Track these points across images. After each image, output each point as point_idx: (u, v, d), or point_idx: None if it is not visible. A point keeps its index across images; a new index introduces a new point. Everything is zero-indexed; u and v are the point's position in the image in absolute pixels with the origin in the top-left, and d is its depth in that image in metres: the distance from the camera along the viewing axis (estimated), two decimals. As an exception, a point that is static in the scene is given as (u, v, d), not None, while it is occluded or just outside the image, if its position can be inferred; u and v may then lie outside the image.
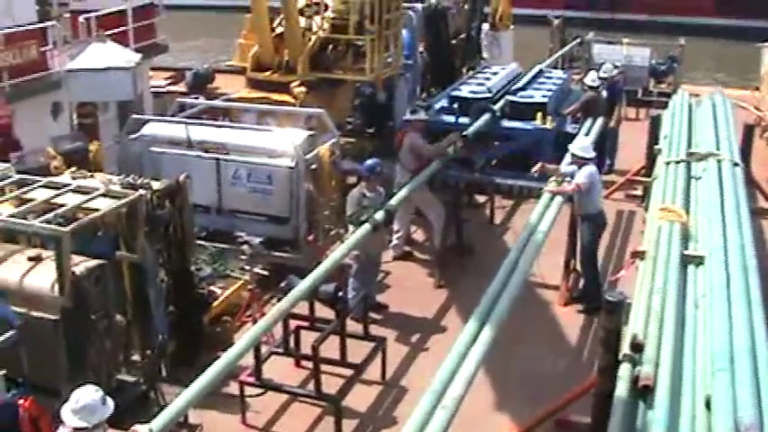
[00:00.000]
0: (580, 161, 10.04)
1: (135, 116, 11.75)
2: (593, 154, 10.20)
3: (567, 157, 10.97)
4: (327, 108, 11.96)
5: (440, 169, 11.40)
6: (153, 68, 18.17)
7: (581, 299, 10.43)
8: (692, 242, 7.46)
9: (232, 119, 13.02)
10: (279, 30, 13.98)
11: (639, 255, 7.30)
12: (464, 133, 12.43)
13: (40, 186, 7.64)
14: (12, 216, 7.00)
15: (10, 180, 7.83)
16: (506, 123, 13.92)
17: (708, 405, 5.00)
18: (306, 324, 8.91)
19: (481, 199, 13.73)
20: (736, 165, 9.52)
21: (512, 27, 21.08)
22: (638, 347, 5.58)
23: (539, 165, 10.38)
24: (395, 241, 11.68)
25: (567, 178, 10.13)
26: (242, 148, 10.78)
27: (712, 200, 8.24)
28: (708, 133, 10.69)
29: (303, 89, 13.41)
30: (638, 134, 13.76)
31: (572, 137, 12.56)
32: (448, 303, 10.55)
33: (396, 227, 11.45)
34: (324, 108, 11.81)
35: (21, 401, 5.77)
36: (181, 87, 19.81)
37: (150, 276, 7.73)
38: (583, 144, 10.30)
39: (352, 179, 12.15)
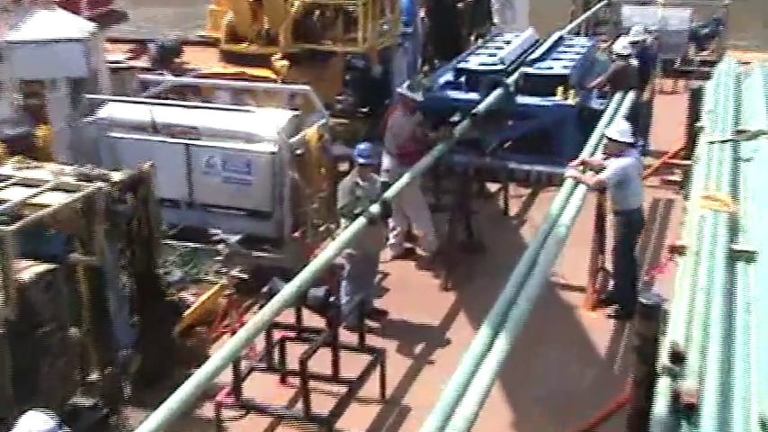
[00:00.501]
0: (617, 147, 9.91)
1: (89, 96, 11.69)
2: (631, 139, 10.10)
3: (592, 140, 10.93)
4: (314, 84, 11.92)
5: (444, 154, 11.37)
6: (110, 40, 18.04)
7: (611, 302, 10.41)
8: (740, 235, 7.40)
9: (204, 98, 12.96)
10: (257, -7, 13.94)
11: (679, 250, 7.24)
12: (473, 111, 12.41)
13: (-21, 179, 7.59)
14: (-53, 214, 6.94)
15: (-56, 172, 7.78)
16: (522, 99, 13.90)
17: (763, 426, 4.95)
18: (292, 334, 8.89)
19: (493, 187, 13.69)
20: (791, 144, 9.47)
21: (527, -13, 21.05)
22: (679, 358, 5.54)
23: (577, 160, 10.21)
24: (392, 239, 11.65)
25: (590, 171, 10.07)
26: (216, 131, 10.73)
27: (764, 185, 8.18)
28: (759, 107, 10.63)
29: (286, 63, 13.36)
30: (677, 109, 13.69)
31: (598, 114, 12.55)
32: (456, 308, 10.54)
33: (392, 223, 11.41)
34: (310, 84, 11.76)
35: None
36: (143, 62, 19.71)
37: (110, 282, 7.70)
38: (621, 127, 10.18)
39: (343, 166, 12.10)
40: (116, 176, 7.90)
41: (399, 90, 11.63)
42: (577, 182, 9.67)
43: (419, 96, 11.42)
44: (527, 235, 11.97)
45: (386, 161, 11.21)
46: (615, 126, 10.36)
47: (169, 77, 14.45)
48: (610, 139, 10.02)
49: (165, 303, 8.64)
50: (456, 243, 11.50)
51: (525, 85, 14.15)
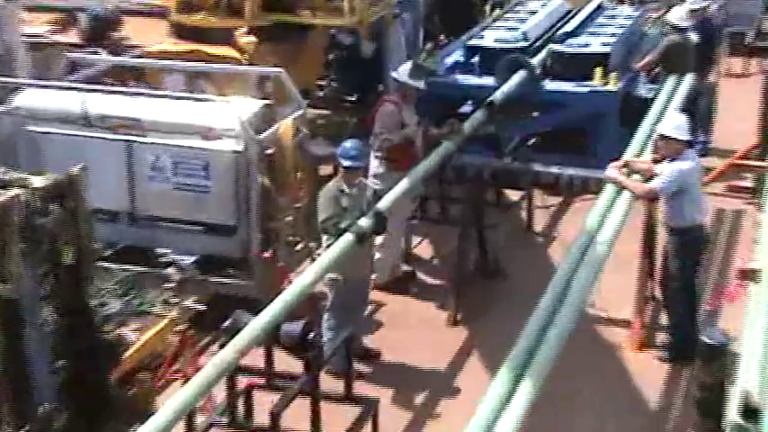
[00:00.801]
0: (673, 147, 9.88)
1: (2, 79, 11.68)
2: (689, 136, 10.08)
3: (639, 137, 10.91)
4: (289, 66, 11.91)
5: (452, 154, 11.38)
6: (28, 8, 18.04)
7: (663, 341, 10.39)
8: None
9: (150, 83, 12.95)
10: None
11: (751, 274, 7.25)
12: (489, 100, 12.41)
13: None
14: None
15: None
16: (550, 85, 13.90)
17: None
18: (261, 381, 8.89)
19: (514, 195, 13.69)
20: None
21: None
22: (752, 412, 5.52)
23: (620, 161, 10.18)
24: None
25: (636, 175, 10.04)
26: (165, 125, 10.73)
27: None
28: None
29: (252, 39, 13.34)
30: (748, 96, 13.75)
31: (647, 103, 12.53)
32: (467, 348, 10.56)
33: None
34: (284, 67, 11.75)
35: None
36: (72, 37, 19.71)
37: (29, 316, 7.65)
38: (677, 121, 10.14)
39: (326, 169, 12.09)
40: (37, 182, 7.86)
41: (395, 74, 11.61)
42: (620, 188, 9.66)
43: (420, 82, 11.41)
44: (556, 255, 11.98)
45: (374, 164, 11.21)
46: (669, 120, 10.34)
47: (105, 57, 14.45)
48: (663, 136, 9.99)
49: (99, 343, 8.58)
50: (467, 265, 11.50)
51: (554, 67, 14.14)
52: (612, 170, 9.91)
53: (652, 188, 9.78)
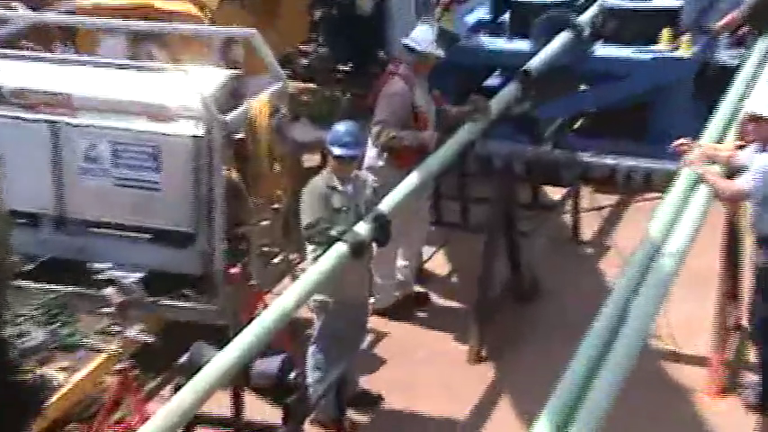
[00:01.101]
0: (765, 131, 9.82)
1: None
2: None
3: (720, 117, 10.92)
4: (264, 27, 11.93)
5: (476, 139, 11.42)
6: None
7: (751, 383, 10.42)
8: None
9: (81, 47, 12.97)
10: None
11: None
12: (523, 69, 12.44)
13: None
14: None
15: None
16: (602, 50, 13.93)
17: None
18: (227, 434, 8.91)
19: (556, 193, 13.71)
20: None
21: None
22: None
23: (697, 148, 10.14)
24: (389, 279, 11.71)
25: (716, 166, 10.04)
26: (102, 102, 10.73)
27: None
28: None
29: (217, -9, 13.40)
30: None
31: (729, 72, 12.53)
32: (494, 390, 10.59)
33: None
34: (257, 27, 11.77)
35: None
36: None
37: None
38: None
39: (311, 159, 12.10)
40: (-63, 176, 7.90)
41: (404, 41, 11.58)
42: (702, 181, 9.58)
43: (438, 49, 11.37)
44: (610, 271, 12.01)
45: (371, 153, 11.22)
46: (760, 94, 10.33)
47: (24, 12, 14.47)
48: (752, 116, 9.97)
49: (16, 385, 8.61)
50: (494, 283, 11.56)
51: (608, 27, 14.18)
52: (695, 156, 9.79)
53: (741, 190, 9.67)
